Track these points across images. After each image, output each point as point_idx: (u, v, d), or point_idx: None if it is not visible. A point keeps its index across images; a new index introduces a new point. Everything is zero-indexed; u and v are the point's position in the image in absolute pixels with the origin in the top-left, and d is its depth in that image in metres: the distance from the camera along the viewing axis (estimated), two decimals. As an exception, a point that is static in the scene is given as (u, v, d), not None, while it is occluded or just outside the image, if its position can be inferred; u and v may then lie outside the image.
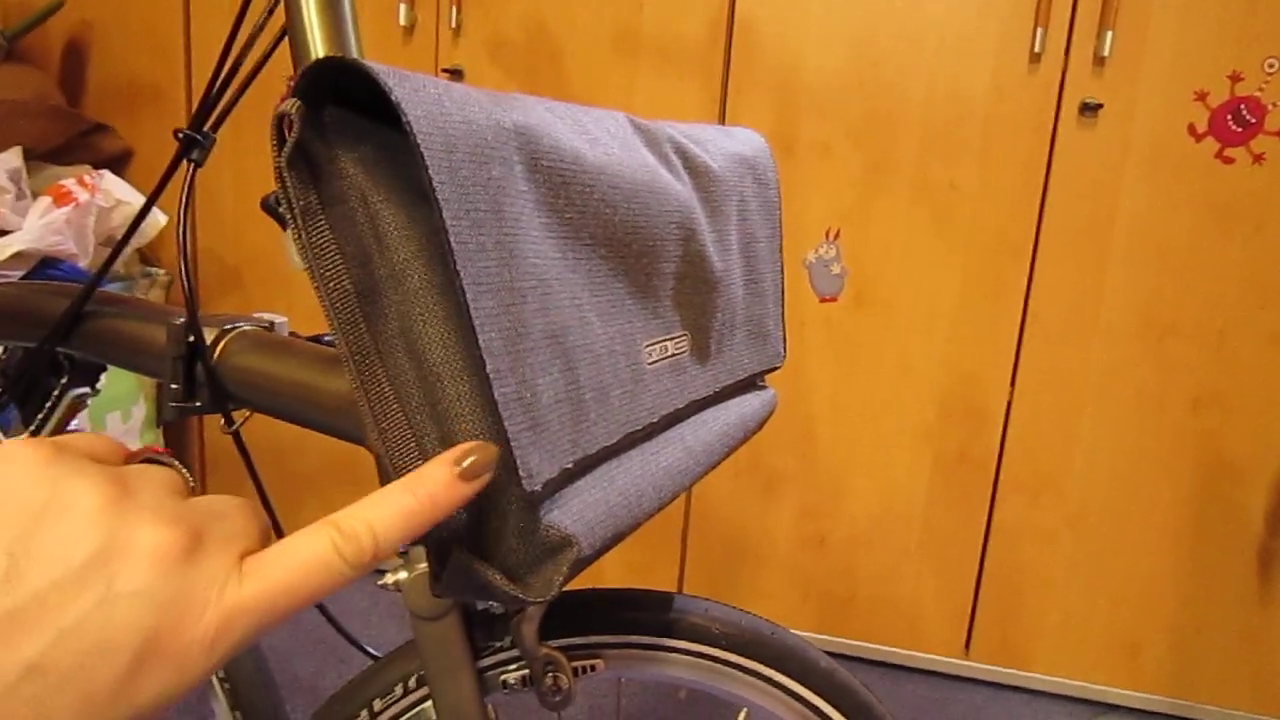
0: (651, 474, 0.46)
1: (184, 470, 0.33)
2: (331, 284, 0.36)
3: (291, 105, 0.34)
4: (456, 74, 1.77)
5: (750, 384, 0.64)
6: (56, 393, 0.83)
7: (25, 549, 0.24)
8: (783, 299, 0.66)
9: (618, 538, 0.43)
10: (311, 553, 0.29)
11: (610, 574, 1.91)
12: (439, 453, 0.37)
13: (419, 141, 0.32)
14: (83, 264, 1.61)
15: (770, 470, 1.81)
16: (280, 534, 0.78)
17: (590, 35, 1.73)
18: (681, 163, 0.54)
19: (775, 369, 0.65)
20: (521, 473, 0.36)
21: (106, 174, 1.68)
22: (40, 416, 0.84)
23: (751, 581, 1.86)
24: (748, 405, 0.61)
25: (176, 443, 2.06)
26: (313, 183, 0.35)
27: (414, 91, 0.33)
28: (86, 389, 0.89)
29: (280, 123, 0.34)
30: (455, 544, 0.38)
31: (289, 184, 0.35)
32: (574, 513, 0.39)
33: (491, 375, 0.34)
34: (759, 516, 1.83)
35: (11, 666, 0.22)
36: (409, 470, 0.38)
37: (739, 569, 1.86)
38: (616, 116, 0.51)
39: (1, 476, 0.25)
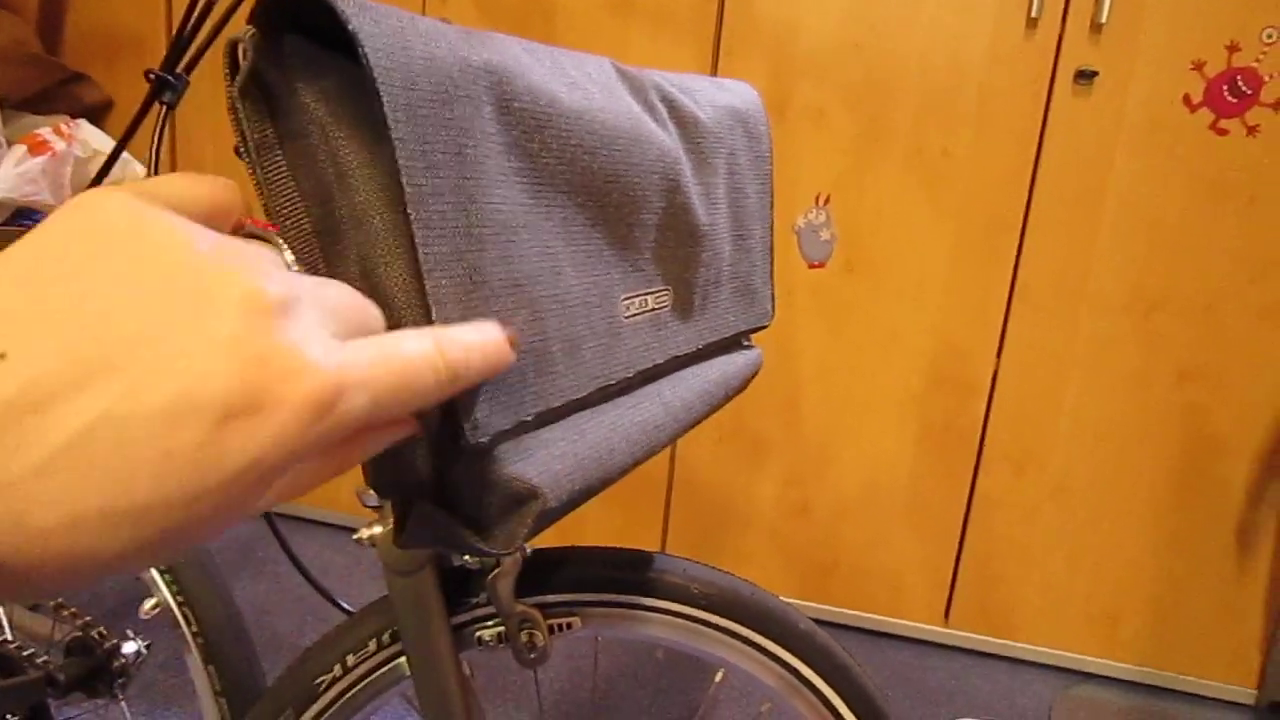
0: (625, 429, 0.45)
1: (289, 253, 0.30)
2: (289, 223, 0.34)
3: (245, 32, 0.32)
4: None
5: (736, 343, 0.63)
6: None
7: (110, 293, 0.22)
8: (771, 257, 0.64)
9: (587, 492, 0.42)
10: (419, 353, 0.27)
11: (592, 537, 1.91)
12: None
13: (375, 75, 0.31)
14: (60, 215, 1.58)
15: (755, 436, 1.80)
16: (274, 529, 0.77)
17: (581, -8, 1.70)
18: (668, 112, 0.52)
19: (763, 328, 0.64)
20: (465, 424, 0.35)
21: (83, 123, 1.64)
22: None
23: (735, 547, 1.87)
24: (731, 364, 0.60)
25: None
26: (269, 116, 0.34)
27: (374, 22, 0.31)
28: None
29: (233, 50, 0.33)
30: (419, 494, 0.37)
31: (242, 115, 0.33)
32: (540, 464, 0.38)
33: (436, 323, 0.33)
34: (743, 482, 1.83)
35: (91, 407, 0.21)
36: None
37: (722, 534, 1.87)
38: (600, 61, 0.50)
39: (93, 217, 0.24)
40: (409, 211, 0.32)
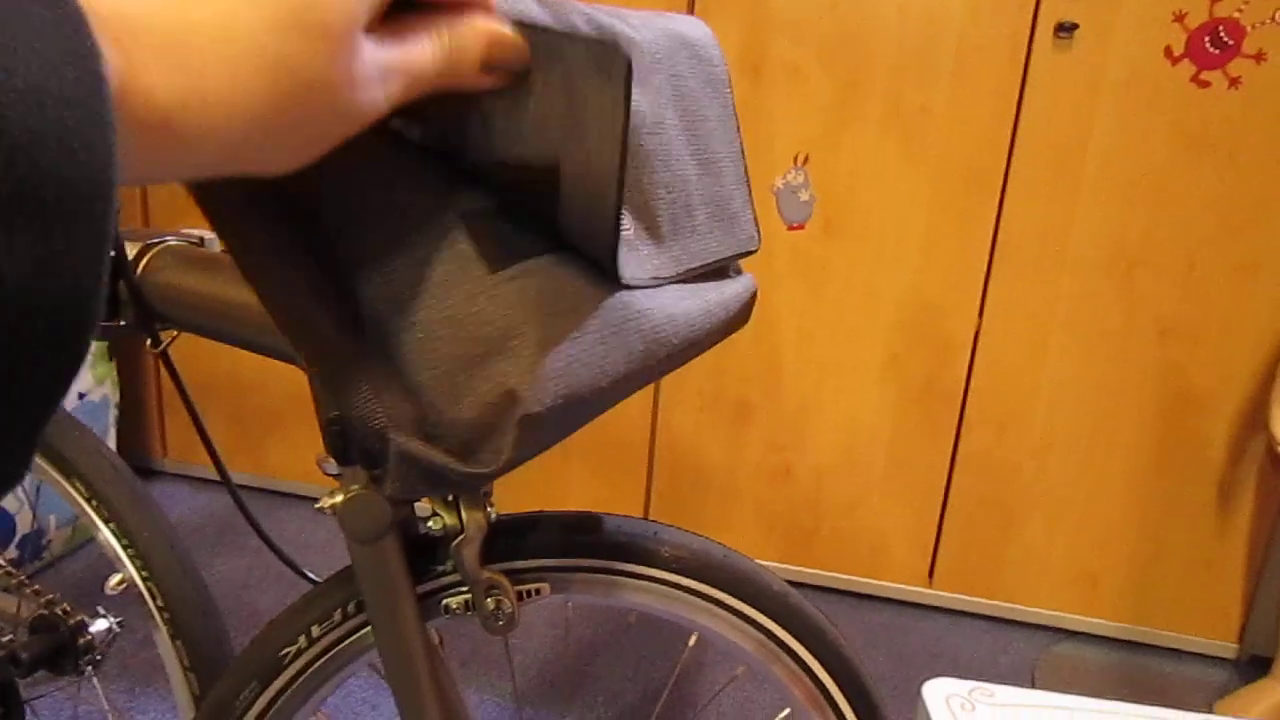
0: (624, 335, 0.43)
1: None
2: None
3: None
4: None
5: (724, 270, 0.61)
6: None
7: None
8: (747, 181, 0.62)
9: (577, 402, 0.39)
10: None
11: (574, 505, 1.90)
12: (343, 327, 0.35)
13: None
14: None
15: (736, 401, 1.79)
16: (224, 475, 0.75)
17: (552, -50, 1.66)
18: (595, 33, 0.50)
19: (750, 253, 0.62)
20: None
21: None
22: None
23: (717, 512, 1.86)
24: (728, 288, 0.58)
25: (131, 374, 2.01)
26: None
27: None
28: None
29: None
30: (393, 430, 0.36)
31: None
32: (524, 363, 0.36)
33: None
34: (724, 448, 1.82)
35: None
36: (316, 351, 0.36)
37: (704, 500, 1.86)
38: None
39: None
40: None
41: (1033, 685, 1.62)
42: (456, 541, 0.60)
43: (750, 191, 0.62)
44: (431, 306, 0.35)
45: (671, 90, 0.54)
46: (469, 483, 0.37)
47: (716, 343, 0.57)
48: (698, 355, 0.55)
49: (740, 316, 0.59)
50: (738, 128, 0.61)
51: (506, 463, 0.36)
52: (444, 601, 0.63)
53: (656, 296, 0.48)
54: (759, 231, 0.62)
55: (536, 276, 0.38)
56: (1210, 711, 1.55)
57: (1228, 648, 1.72)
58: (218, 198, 0.35)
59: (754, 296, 0.62)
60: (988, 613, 1.81)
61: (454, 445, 0.36)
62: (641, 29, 0.53)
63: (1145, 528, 1.70)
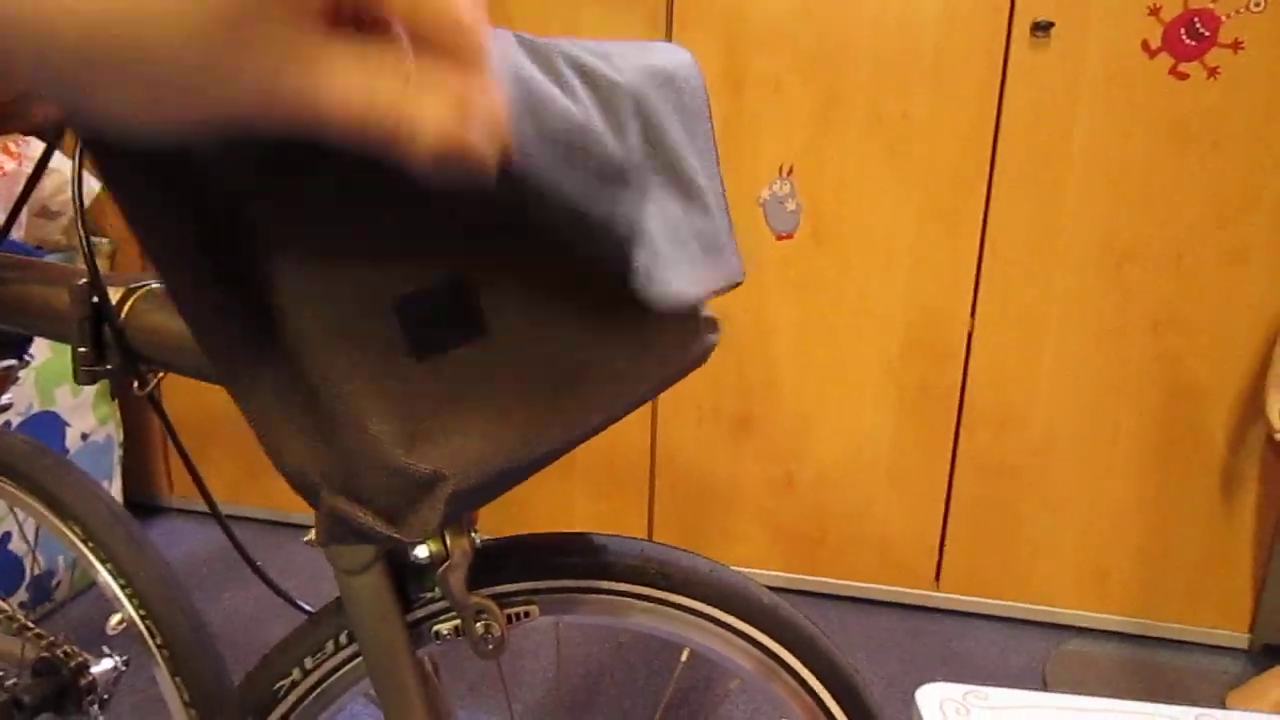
0: (559, 413, 0.43)
1: None
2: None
3: None
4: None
5: (694, 317, 0.62)
6: (-23, 364, 0.80)
7: None
8: (728, 212, 0.63)
9: (515, 471, 0.40)
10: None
11: (578, 526, 1.90)
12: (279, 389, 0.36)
13: None
14: (17, 236, 1.56)
15: (735, 414, 1.79)
16: (218, 515, 0.76)
17: (531, -26, 1.68)
18: (580, 80, 0.51)
19: (738, 284, 0.62)
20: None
21: (33, 141, 1.62)
22: (-38, 389, 0.81)
23: (721, 526, 1.86)
24: (691, 343, 0.59)
25: (134, 413, 2.03)
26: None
27: None
28: (13, 360, 0.86)
29: None
30: (324, 487, 0.36)
31: None
32: (449, 446, 0.37)
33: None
34: (726, 460, 1.82)
35: None
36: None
37: (708, 514, 1.86)
38: (502, 35, 0.48)
39: None
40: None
41: (1044, 683, 1.62)
42: (443, 568, 0.60)
43: (730, 222, 0.63)
44: (359, 385, 0.35)
45: (653, 131, 0.54)
46: (395, 543, 0.38)
47: (665, 388, 0.57)
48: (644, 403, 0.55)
49: (694, 365, 0.59)
50: (717, 159, 0.62)
51: (434, 530, 0.37)
52: (434, 628, 0.63)
53: (602, 362, 0.47)
54: (742, 262, 0.62)
55: (460, 364, 0.39)
56: (1223, 702, 1.55)
57: (1239, 638, 1.71)
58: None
59: (714, 346, 0.62)
60: (997, 613, 1.81)
61: (381, 509, 0.36)
62: (626, 69, 0.53)
63: (1151, 520, 1.70)
